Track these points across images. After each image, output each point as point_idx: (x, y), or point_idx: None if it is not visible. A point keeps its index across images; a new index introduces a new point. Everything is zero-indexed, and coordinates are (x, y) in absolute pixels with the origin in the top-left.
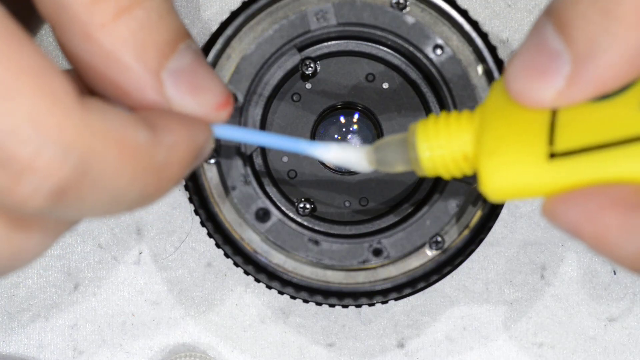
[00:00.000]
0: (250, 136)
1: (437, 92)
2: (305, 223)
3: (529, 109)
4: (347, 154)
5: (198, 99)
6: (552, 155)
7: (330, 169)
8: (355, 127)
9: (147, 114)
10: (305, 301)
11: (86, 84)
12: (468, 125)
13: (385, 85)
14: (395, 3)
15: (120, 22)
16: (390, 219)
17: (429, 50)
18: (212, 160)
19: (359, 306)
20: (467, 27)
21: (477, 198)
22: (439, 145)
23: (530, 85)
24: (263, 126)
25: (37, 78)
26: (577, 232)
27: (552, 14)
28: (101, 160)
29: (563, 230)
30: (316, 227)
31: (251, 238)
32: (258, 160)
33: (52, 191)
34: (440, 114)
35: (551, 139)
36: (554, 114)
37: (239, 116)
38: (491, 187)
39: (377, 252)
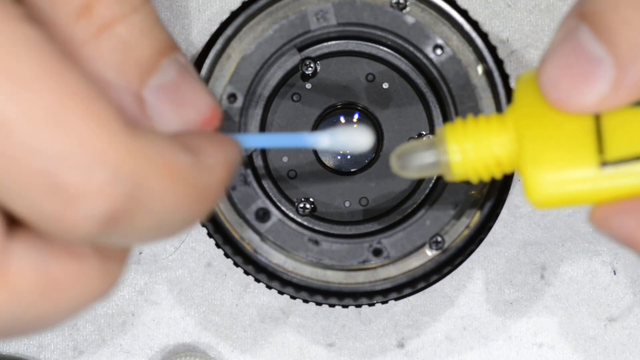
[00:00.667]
0: (269, 140)
1: (437, 92)
2: (305, 223)
3: (570, 114)
4: (349, 137)
5: (181, 115)
6: (604, 164)
7: (331, 168)
8: (355, 127)
9: (184, 137)
10: (305, 301)
11: None
12: (500, 129)
13: (385, 85)
14: (395, 3)
15: (102, 40)
16: (390, 219)
17: (429, 50)
18: None
19: (359, 306)
20: (467, 27)
21: (477, 199)
22: (470, 149)
23: (573, 92)
24: (263, 126)
25: (84, 102)
26: (633, 244)
27: (586, 18)
28: (150, 184)
29: (614, 239)
30: (316, 227)
31: (251, 238)
32: (258, 160)
33: (103, 216)
34: (467, 117)
35: (600, 146)
36: (597, 118)
37: (239, 116)
38: (539, 196)
39: (377, 252)
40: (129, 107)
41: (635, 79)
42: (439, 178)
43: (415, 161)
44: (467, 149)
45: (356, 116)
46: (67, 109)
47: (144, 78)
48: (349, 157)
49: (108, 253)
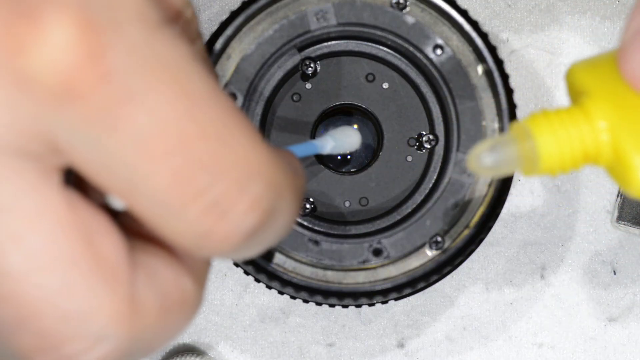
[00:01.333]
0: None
1: (437, 92)
2: (305, 223)
3: None
4: (345, 136)
5: None
6: None
7: (331, 168)
8: (355, 127)
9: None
10: (305, 301)
11: None
12: (586, 121)
13: (385, 85)
14: (395, 3)
15: None
16: (390, 219)
17: (429, 50)
18: None
19: (359, 306)
20: (467, 27)
21: (477, 199)
22: (563, 142)
23: None
24: (263, 126)
25: (237, 117)
26: None
27: None
28: (285, 196)
29: None
30: (316, 227)
31: None
32: None
33: (250, 229)
34: (543, 110)
35: None
36: None
37: None
38: None
39: (377, 252)
40: None
41: None
42: (438, 178)
43: (498, 157)
44: (560, 142)
45: (356, 116)
46: (228, 123)
47: None
48: (349, 156)
49: (197, 274)
